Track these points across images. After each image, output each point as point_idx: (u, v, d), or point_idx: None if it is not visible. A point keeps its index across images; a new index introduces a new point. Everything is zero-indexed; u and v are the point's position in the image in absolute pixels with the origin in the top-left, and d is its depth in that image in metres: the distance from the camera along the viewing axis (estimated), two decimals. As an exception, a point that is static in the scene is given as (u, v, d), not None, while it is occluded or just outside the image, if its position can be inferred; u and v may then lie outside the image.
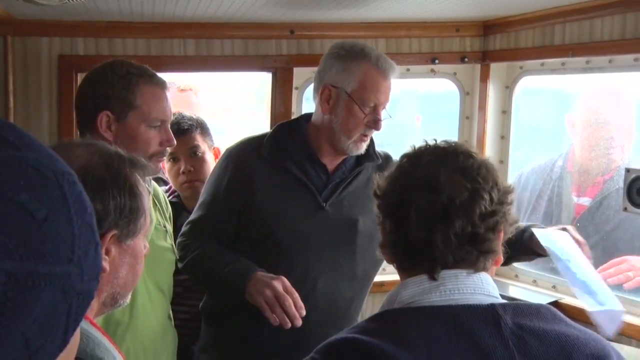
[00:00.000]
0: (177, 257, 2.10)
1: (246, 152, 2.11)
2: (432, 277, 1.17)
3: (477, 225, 1.17)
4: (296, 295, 1.89)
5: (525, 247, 2.04)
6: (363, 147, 2.08)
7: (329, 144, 2.08)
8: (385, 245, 1.26)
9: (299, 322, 1.88)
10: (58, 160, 0.58)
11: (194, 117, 2.58)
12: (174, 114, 2.59)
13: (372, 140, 2.15)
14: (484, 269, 1.20)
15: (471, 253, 1.18)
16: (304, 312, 1.88)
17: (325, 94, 2.05)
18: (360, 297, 2.19)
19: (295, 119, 2.23)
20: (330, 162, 2.11)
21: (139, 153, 1.80)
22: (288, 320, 1.86)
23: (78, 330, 0.60)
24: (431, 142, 1.28)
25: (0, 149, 0.54)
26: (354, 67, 2.03)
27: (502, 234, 1.22)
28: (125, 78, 1.83)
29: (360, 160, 2.14)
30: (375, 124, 2.03)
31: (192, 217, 2.16)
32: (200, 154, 2.53)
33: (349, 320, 2.12)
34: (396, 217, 1.22)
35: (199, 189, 2.49)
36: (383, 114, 2.05)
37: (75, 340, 0.60)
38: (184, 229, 2.15)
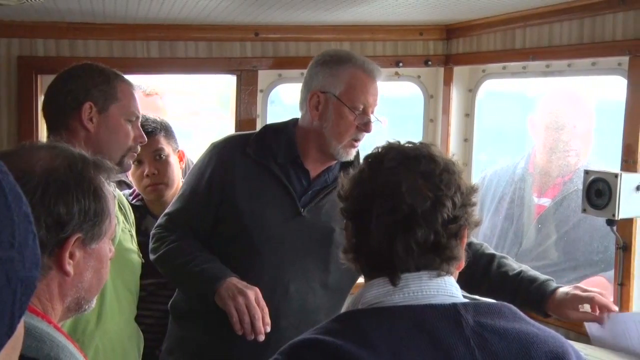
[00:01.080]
0: (149, 249, 2.09)
1: (232, 148, 2.11)
2: (393, 283, 1.18)
3: (440, 233, 1.17)
4: (266, 310, 1.88)
5: (535, 300, 1.99)
6: (352, 153, 2.09)
7: (318, 149, 2.09)
8: (348, 250, 1.26)
9: (261, 337, 1.86)
10: None
11: (158, 119, 2.56)
12: None
13: (357, 151, 2.16)
14: (448, 273, 1.22)
15: (434, 260, 1.19)
16: (268, 329, 1.87)
17: (313, 101, 2.07)
18: (334, 307, 2.15)
19: (283, 122, 2.21)
20: (314, 169, 2.12)
21: (118, 146, 1.84)
22: (252, 333, 1.85)
23: (23, 322, 0.61)
24: (395, 142, 1.27)
25: None
26: (340, 71, 2.06)
27: (464, 240, 1.23)
28: (104, 74, 1.91)
29: (345, 169, 2.14)
30: (365, 126, 2.05)
31: (169, 209, 2.14)
32: (164, 156, 2.50)
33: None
34: (358, 224, 1.22)
35: (163, 192, 2.47)
36: (372, 117, 2.07)
37: (20, 332, 0.61)
38: (160, 220, 2.13)
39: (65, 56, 2.67)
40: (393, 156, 1.22)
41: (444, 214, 1.17)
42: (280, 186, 2.07)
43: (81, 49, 2.68)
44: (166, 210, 2.15)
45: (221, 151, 2.10)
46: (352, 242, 1.24)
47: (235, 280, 1.91)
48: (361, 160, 2.13)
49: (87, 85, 1.87)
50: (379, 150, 1.27)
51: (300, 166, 2.10)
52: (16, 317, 0.57)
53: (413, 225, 1.16)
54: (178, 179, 2.50)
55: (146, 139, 1.97)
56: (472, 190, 1.25)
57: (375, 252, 1.19)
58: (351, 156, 2.09)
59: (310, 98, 2.07)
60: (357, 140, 2.07)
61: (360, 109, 2.05)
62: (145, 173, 2.48)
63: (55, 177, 1.07)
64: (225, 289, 1.89)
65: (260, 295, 1.89)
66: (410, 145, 1.26)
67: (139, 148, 1.98)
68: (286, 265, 2.04)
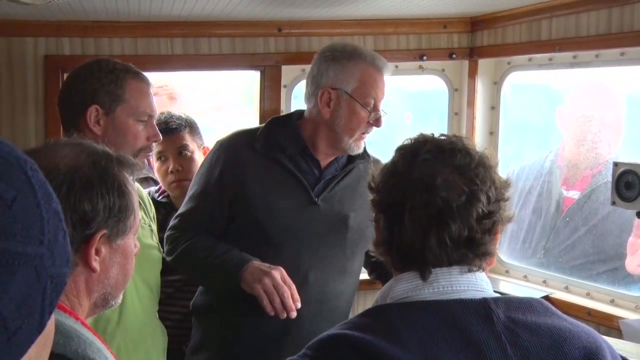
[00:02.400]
0: (165, 251, 2.09)
1: (239, 144, 2.12)
2: (423, 278, 1.17)
3: (474, 228, 1.16)
4: (293, 287, 1.91)
5: None
6: (362, 145, 2.12)
7: (328, 144, 2.11)
8: (379, 243, 1.25)
9: (294, 314, 1.89)
10: (19, 150, 0.60)
11: (183, 116, 2.57)
12: (163, 113, 2.58)
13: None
14: (480, 269, 1.20)
15: (467, 256, 1.17)
16: (299, 305, 1.90)
17: (325, 97, 2.08)
18: (350, 291, 2.20)
19: (287, 114, 2.25)
20: (323, 159, 2.13)
21: (128, 147, 1.81)
22: (284, 311, 1.87)
23: (53, 318, 0.61)
24: (428, 135, 1.25)
25: None
26: (351, 67, 2.06)
27: (498, 235, 1.21)
28: (113, 73, 1.85)
29: (351, 157, 2.16)
30: (377, 121, 2.08)
31: (181, 210, 2.15)
32: (189, 153, 2.52)
33: (340, 314, 2.14)
34: (390, 217, 1.20)
35: (187, 188, 2.48)
36: (382, 112, 2.09)
37: (50, 329, 0.61)
38: (172, 222, 2.14)
39: (91, 54, 2.69)
40: (428, 149, 1.20)
41: (479, 209, 1.16)
42: (292, 177, 2.08)
43: (106, 47, 2.71)
44: (178, 212, 2.16)
45: (229, 148, 2.11)
46: (384, 235, 1.22)
47: (257, 264, 1.93)
48: (371, 156, 2.17)
49: (94, 86, 1.84)
50: (412, 142, 1.24)
51: (310, 156, 2.12)
52: (46, 313, 0.57)
53: (447, 219, 1.15)
54: None
55: (161, 137, 1.94)
56: (506, 184, 1.22)
57: (408, 246, 1.17)
58: (361, 149, 2.12)
59: (321, 95, 2.08)
60: (365, 133, 2.10)
61: (372, 105, 2.07)
62: (169, 169, 2.50)
63: (80, 174, 1.08)
64: (250, 273, 1.91)
65: (285, 274, 1.91)
66: (444, 138, 1.24)
67: (153, 146, 1.96)
68: (303, 255, 2.05)
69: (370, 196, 1.26)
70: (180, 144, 2.51)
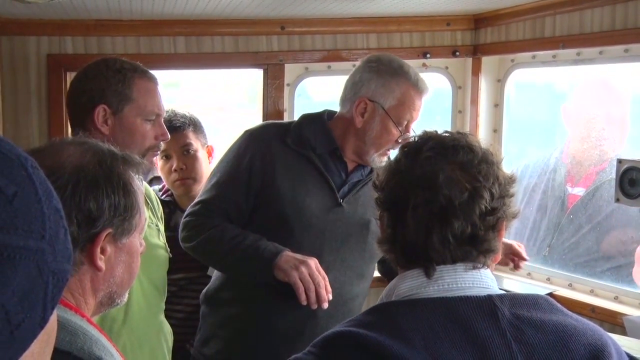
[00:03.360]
0: (181, 237, 2.08)
1: (270, 135, 2.11)
2: (428, 275, 1.17)
3: (477, 225, 1.15)
4: (327, 278, 1.91)
5: None
6: (384, 161, 2.10)
7: (354, 151, 2.12)
8: (383, 241, 1.24)
9: (325, 305, 1.89)
10: (19, 148, 0.60)
11: (187, 114, 2.57)
12: (167, 111, 2.57)
13: None
14: (485, 266, 1.20)
15: (470, 253, 1.17)
16: (331, 297, 1.90)
17: (360, 107, 2.08)
18: (364, 294, 2.23)
19: (317, 113, 2.21)
20: (350, 161, 2.14)
21: (136, 146, 1.81)
22: (316, 302, 1.88)
23: (56, 315, 0.61)
24: (432, 131, 1.24)
25: None
26: (393, 85, 2.07)
27: (502, 232, 1.21)
28: (121, 72, 1.84)
29: None
30: (404, 141, 2.06)
31: (203, 196, 2.11)
32: (192, 151, 2.52)
33: (354, 314, 2.13)
34: (393, 215, 1.20)
35: (191, 187, 2.48)
36: (412, 133, 2.08)
37: (53, 325, 0.62)
38: (192, 209, 2.10)
39: (93, 53, 2.69)
40: (431, 146, 1.19)
41: (482, 206, 1.15)
42: (320, 177, 2.08)
43: (109, 45, 2.71)
44: (199, 199, 2.12)
45: (259, 138, 2.10)
46: (387, 232, 1.22)
47: (292, 253, 1.93)
48: None
49: (102, 86, 1.83)
50: (416, 139, 1.24)
51: (339, 158, 2.12)
52: (48, 308, 0.58)
53: (450, 217, 1.14)
54: (206, 174, 2.51)
55: (169, 136, 1.94)
56: (511, 180, 1.21)
57: (411, 244, 1.17)
58: (382, 164, 2.10)
59: (358, 104, 2.08)
60: (391, 150, 2.10)
61: (404, 125, 2.08)
62: (173, 168, 2.50)
63: (85, 173, 1.08)
64: (285, 261, 1.90)
65: (319, 264, 1.91)
66: (448, 134, 1.23)
67: (162, 145, 1.95)
68: (325, 255, 2.05)
69: (375, 194, 1.26)
70: (183, 143, 2.51)
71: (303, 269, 1.88)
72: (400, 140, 2.06)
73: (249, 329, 2.10)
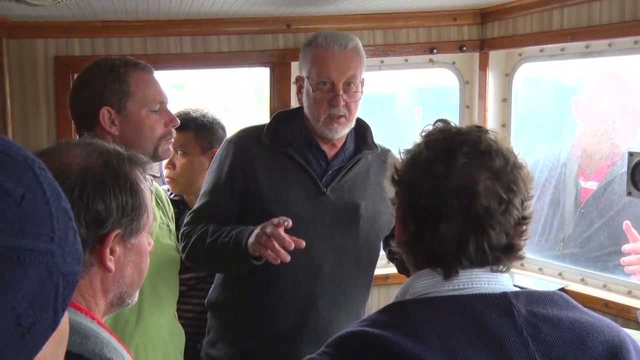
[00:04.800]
0: (180, 248, 2.09)
1: (247, 138, 2.15)
2: (446, 278, 1.15)
3: (511, 234, 1.15)
4: (283, 223, 1.84)
5: None
6: (338, 129, 2.08)
7: (317, 135, 2.13)
8: (405, 243, 1.21)
9: (302, 243, 1.84)
10: (26, 150, 0.60)
11: (199, 118, 2.54)
12: (185, 109, 2.56)
13: (369, 130, 2.19)
14: (507, 270, 1.19)
15: (501, 259, 1.16)
16: (302, 243, 1.84)
17: (298, 86, 2.15)
18: (366, 280, 2.20)
19: (295, 109, 2.27)
20: (329, 150, 2.14)
21: (147, 139, 1.81)
22: (286, 254, 1.82)
23: (67, 317, 0.61)
24: (453, 126, 1.22)
25: None
26: (306, 52, 2.11)
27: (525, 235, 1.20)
28: (114, 70, 1.83)
29: (359, 148, 2.17)
30: (332, 100, 2.06)
31: (194, 207, 2.16)
32: (186, 152, 2.49)
33: (356, 304, 2.15)
34: (422, 220, 1.17)
35: (176, 188, 2.50)
36: (349, 90, 2.05)
37: (65, 327, 0.62)
38: (186, 219, 2.15)
39: (101, 54, 2.69)
40: (466, 152, 1.15)
41: (515, 215, 1.14)
42: (301, 169, 2.10)
43: (115, 47, 2.71)
44: (192, 209, 2.17)
45: (237, 143, 2.13)
46: (411, 235, 1.19)
47: (253, 229, 1.91)
48: (379, 147, 2.16)
49: (100, 88, 1.82)
50: (443, 137, 1.19)
51: (317, 148, 2.13)
52: (59, 310, 0.58)
53: (486, 227, 1.13)
54: (196, 180, 2.48)
55: (178, 121, 1.93)
56: (530, 180, 1.20)
57: (441, 250, 1.15)
58: (339, 133, 2.09)
59: (297, 84, 2.16)
60: (334, 115, 2.06)
61: (326, 85, 2.06)
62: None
63: (92, 174, 1.08)
64: (251, 243, 1.88)
65: (274, 221, 1.85)
66: (477, 134, 1.19)
67: (173, 131, 1.93)
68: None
69: (392, 189, 1.24)
70: (182, 142, 2.49)
71: (262, 238, 1.84)
72: (334, 103, 2.04)
73: (252, 330, 2.11)
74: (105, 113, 1.82)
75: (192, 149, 2.50)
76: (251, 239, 1.89)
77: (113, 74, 1.83)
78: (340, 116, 2.06)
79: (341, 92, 2.04)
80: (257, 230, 1.89)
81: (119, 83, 1.82)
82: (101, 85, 1.82)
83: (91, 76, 1.85)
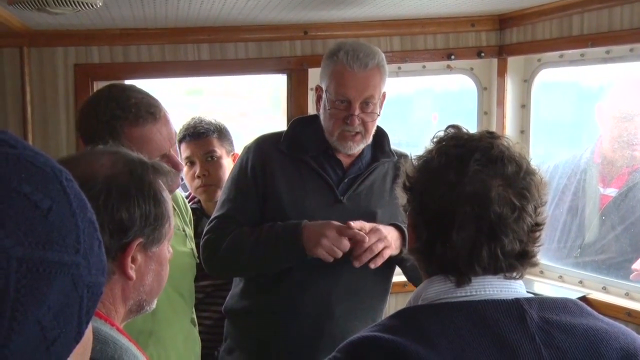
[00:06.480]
0: (204, 258, 2.07)
1: (266, 145, 2.15)
2: (459, 285, 1.14)
3: (524, 241, 1.14)
4: (350, 232, 1.93)
5: None
6: (351, 146, 2.08)
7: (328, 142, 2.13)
8: (417, 250, 1.21)
9: (357, 264, 1.94)
10: (54, 161, 0.60)
11: (213, 121, 2.58)
12: (193, 118, 2.58)
13: (387, 138, 2.18)
14: (521, 277, 1.18)
15: (515, 266, 1.16)
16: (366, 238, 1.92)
17: (317, 95, 2.13)
18: (383, 288, 2.19)
19: (312, 116, 2.25)
20: (345, 158, 2.13)
21: None
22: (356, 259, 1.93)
23: (91, 327, 0.62)
24: (465, 132, 1.21)
25: None
26: (327, 65, 2.08)
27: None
28: (109, 124, 1.67)
29: (375, 156, 2.15)
30: (346, 119, 2.04)
31: (216, 213, 2.13)
32: (215, 158, 2.52)
33: (373, 313, 2.13)
34: (434, 227, 1.17)
35: (214, 193, 2.48)
36: (366, 109, 2.04)
37: (88, 337, 0.62)
38: (208, 226, 2.13)
39: (119, 62, 2.72)
40: (478, 158, 1.15)
41: (528, 222, 1.14)
42: (318, 177, 2.10)
43: (134, 54, 2.73)
44: (213, 215, 2.15)
45: (257, 149, 2.14)
46: (423, 243, 1.19)
47: (310, 224, 1.96)
48: (397, 154, 2.15)
49: (92, 133, 1.67)
50: (454, 144, 1.18)
51: (332, 157, 2.12)
52: (84, 322, 0.58)
53: (499, 234, 1.12)
54: None
55: (184, 167, 1.89)
56: (544, 186, 1.19)
57: (454, 257, 1.14)
58: (353, 149, 2.09)
59: (316, 93, 2.15)
60: (348, 132, 2.05)
61: (344, 103, 2.04)
62: (196, 174, 2.51)
63: (117, 182, 1.08)
64: (307, 239, 1.93)
65: (337, 224, 1.93)
66: (488, 140, 1.18)
67: (181, 175, 1.83)
68: None
69: (404, 196, 1.23)
70: (207, 149, 2.52)
71: (325, 242, 1.91)
72: (349, 122, 2.03)
73: (269, 338, 2.11)
74: None
75: (219, 152, 2.52)
76: (306, 241, 1.93)
77: (107, 126, 1.66)
78: (356, 133, 2.05)
79: (357, 112, 2.03)
80: (311, 229, 1.93)
81: (111, 138, 1.62)
82: (94, 132, 1.68)
83: (88, 116, 1.71)
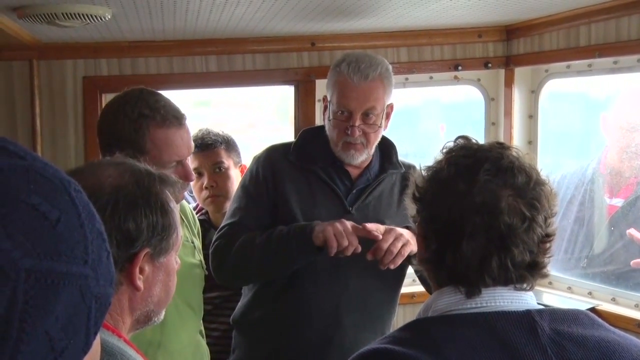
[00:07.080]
0: (214, 265, 2.06)
1: (275, 155, 2.16)
2: (469, 295, 1.14)
3: (534, 252, 1.14)
4: (364, 230, 1.92)
5: None
6: (355, 155, 2.08)
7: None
8: (427, 261, 1.20)
9: (348, 251, 1.92)
10: (62, 172, 0.61)
11: (221, 133, 2.59)
12: (201, 130, 2.59)
13: (394, 149, 2.18)
14: (531, 288, 1.17)
15: (525, 277, 1.15)
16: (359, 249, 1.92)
17: (324, 105, 2.15)
18: (392, 298, 2.18)
19: (319, 126, 2.26)
20: (352, 170, 2.14)
21: None
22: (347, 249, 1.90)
23: (99, 339, 0.62)
24: (474, 143, 1.21)
25: (6, 158, 0.56)
26: (332, 76, 2.10)
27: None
28: (136, 122, 1.73)
29: (383, 167, 2.16)
30: (347, 130, 2.05)
31: (227, 220, 2.12)
32: (223, 169, 2.53)
33: (382, 323, 2.13)
34: (443, 237, 1.16)
35: (222, 204, 2.49)
36: (368, 120, 2.04)
37: (96, 349, 0.62)
38: (218, 233, 2.12)
39: (128, 74, 2.74)
40: (487, 168, 1.14)
41: (538, 233, 1.14)
42: (327, 187, 2.10)
43: (142, 66, 2.75)
44: (223, 223, 2.14)
45: (266, 160, 2.14)
46: (433, 253, 1.18)
47: (321, 223, 1.95)
48: (404, 165, 2.15)
49: (117, 134, 1.73)
50: (464, 155, 1.18)
51: (340, 168, 2.12)
52: (92, 333, 0.58)
53: (509, 244, 1.12)
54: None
55: (193, 178, 1.90)
56: (554, 197, 1.19)
57: (463, 268, 1.14)
58: (356, 159, 2.09)
59: (323, 104, 2.16)
60: (350, 142, 2.05)
61: (345, 114, 2.05)
62: (204, 185, 2.51)
63: (124, 193, 1.09)
64: (319, 227, 1.93)
65: (351, 222, 1.93)
66: (498, 151, 1.18)
67: (190, 186, 1.85)
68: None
69: (414, 206, 1.23)
70: (215, 160, 2.52)
71: (337, 225, 1.90)
72: (349, 132, 2.03)
73: (278, 348, 2.10)
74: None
75: (226, 163, 2.53)
76: (317, 229, 1.92)
77: (134, 125, 1.72)
78: (358, 143, 2.06)
79: (358, 123, 2.03)
80: (337, 221, 1.93)
81: (136, 136, 1.71)
82: (120, 132, 1.73)
83: (114, 118, 1.76)
